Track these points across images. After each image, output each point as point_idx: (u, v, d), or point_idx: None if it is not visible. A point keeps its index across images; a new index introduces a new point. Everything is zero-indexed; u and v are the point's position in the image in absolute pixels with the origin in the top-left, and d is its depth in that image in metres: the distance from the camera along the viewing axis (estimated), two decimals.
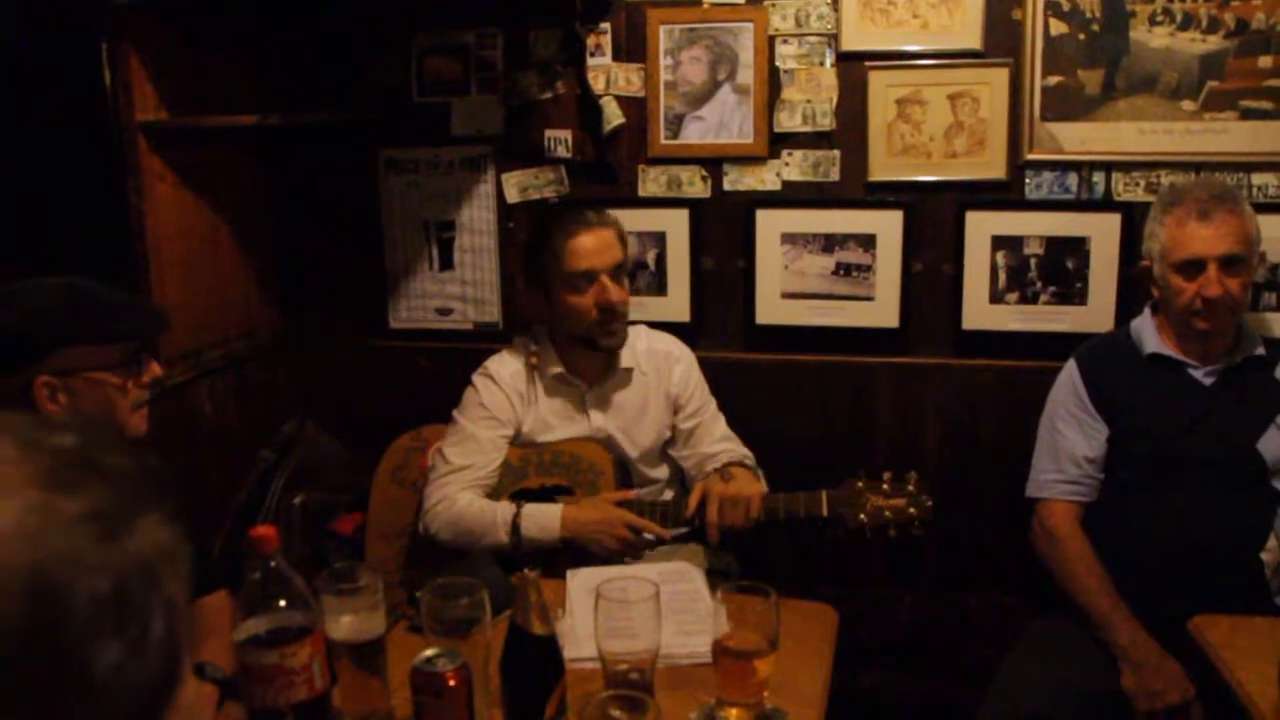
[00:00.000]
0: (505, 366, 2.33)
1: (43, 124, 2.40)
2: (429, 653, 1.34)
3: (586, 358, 2.31)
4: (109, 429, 0.70)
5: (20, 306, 1.59)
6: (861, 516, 2.11)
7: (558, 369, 2.31)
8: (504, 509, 2.16)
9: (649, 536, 2.16)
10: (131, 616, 0.62)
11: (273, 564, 1.33)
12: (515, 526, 2.13)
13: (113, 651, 0.61)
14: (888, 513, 2.10)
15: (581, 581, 1.89)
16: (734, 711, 1.48)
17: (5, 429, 0.66)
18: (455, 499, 2.19)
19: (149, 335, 1.75)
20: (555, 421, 2.31)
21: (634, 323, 2.43)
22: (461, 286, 2.99)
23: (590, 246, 2.22)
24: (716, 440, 2.38)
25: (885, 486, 2.12)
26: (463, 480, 2.22)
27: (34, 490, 0.62)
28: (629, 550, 2.13)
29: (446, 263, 2.99)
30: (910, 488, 2.12)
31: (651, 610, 1.46)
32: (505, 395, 2.29)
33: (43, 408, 1.57)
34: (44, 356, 1.57)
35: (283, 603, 1.33)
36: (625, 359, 2.32)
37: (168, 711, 0.65)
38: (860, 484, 2.13)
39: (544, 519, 2.14)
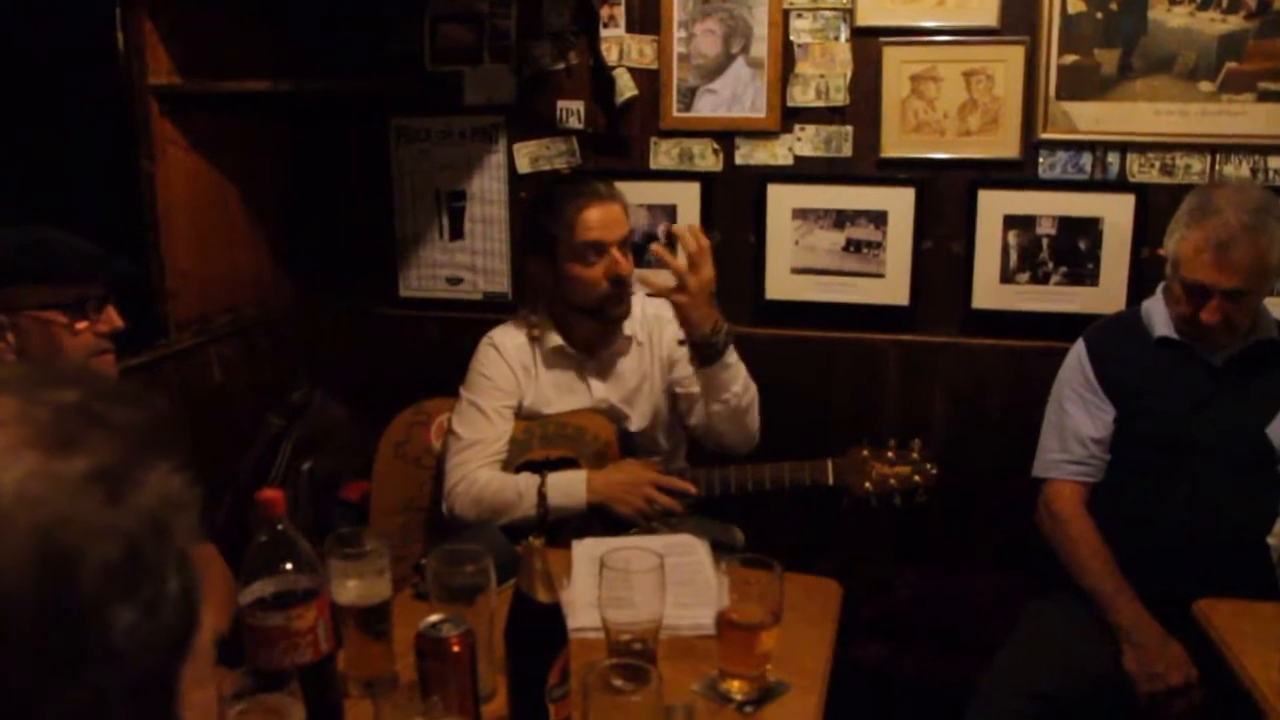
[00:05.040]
0: (510, 338, 2.32)
1: (56, 87, 2.39)
2: (434, 618, 1.35)
3: (586, 328, 2.30)
4: (115, 380, 0.66)
5: None
6: (867, 484, 2.11)
7: (557, 341, 2.30)
8: (526, 481, 2.16)
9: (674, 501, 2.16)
10: (145, 577, 0.61)
11: (279, 527, 1.33)
12: (542, 497, 2.13)
13: (129, 614, 0.59)
14: (893, 480, 2.10)
15: (586, 551, 1.90)
16: (736, 683, 1.49)
17: (6, 385, 0.64)
18: (475, 478, 2.19)
19: (103, 281, 1.74)
20: (556, 394, 2.31)
21: None
22: (471, 256, 2.99)
23: (601, 219, 2.21)
24: None
25: (890, 454, 2.13)
26: (478, 457, 2.22)
27: (35, 453, 0.60)
28: (656, 512, 2.14)
29: (457, 232, 2.99)
30: (915, 455, 2.12)
31: (655, 581, 1.47)
32: (508, 365, 2.29)
33: None
34: None
35: (289, 566, 1.33)
36: (626, 327, 2.32)
37: (186, 660, 0.64)
38: (865, 452, 2.14)
39: (569, 486, 2.15)
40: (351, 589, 1.46)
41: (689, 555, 1.89)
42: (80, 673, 0.58)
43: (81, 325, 1.69)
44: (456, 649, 1.31)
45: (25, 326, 1.63)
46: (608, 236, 2.21)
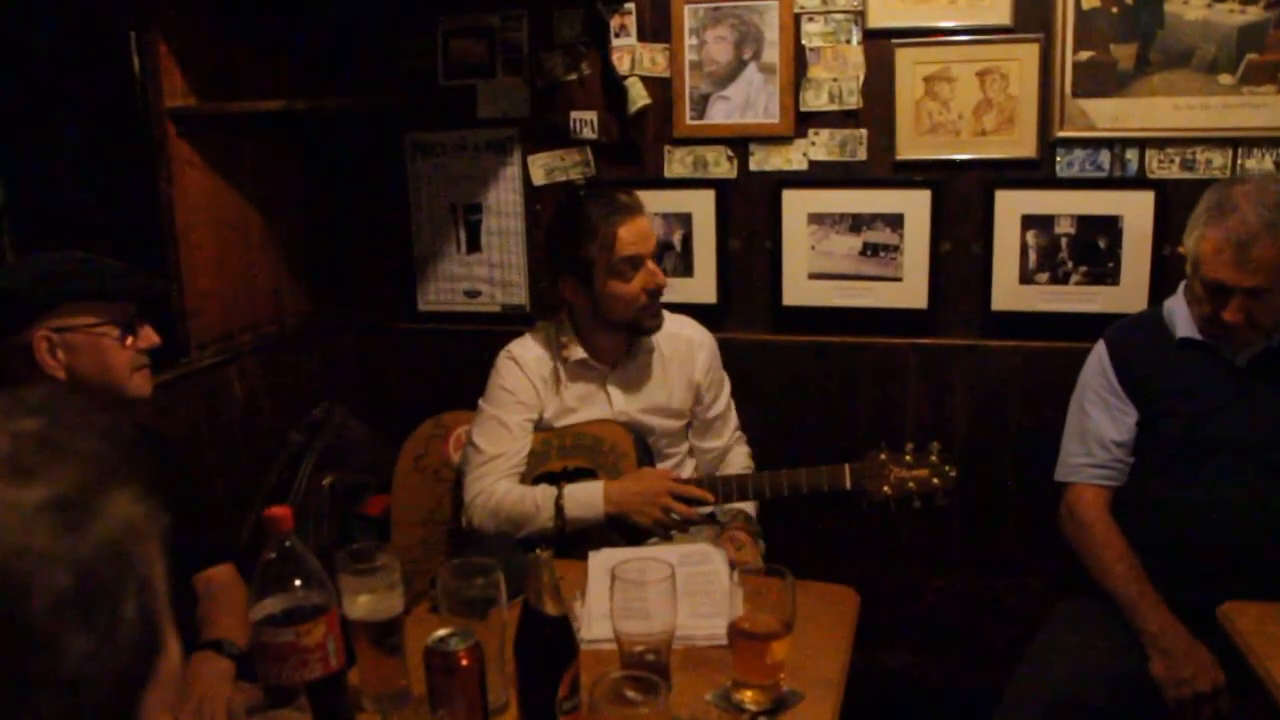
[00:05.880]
0: (529, 351, 2.32)
1: (73, 112, 2.43)
2: (442, 632, 1.35)
3: (609, 341, 2.30)
4: (82, 405, 0.65)
5: (22, 270, 1.69)
6: (885, 488, 2.09)
7: (581, 354, 2.30)
8: (544, 493, 2.16)
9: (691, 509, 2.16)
10: (99, 605, 0.61)
11: (288, 544, 1.34)
12: (559, 509, 2.13)
13: (81, 642, 0.59)
14: (911, 484, 2.08)
15: (602, 562, 1.89)
16: (750, 693, 1.48)
17: None
18: (493, 490, 2.19)
19: (145, 296, 1.80)
20: (577, 405, 2.30)
21: None
22: (489, 269, 3.00)
23: (635, 234, 2.20)
24: (729, 437, 2.42)
25: (908, 458, 2.10)
26: (498, 470, 2.22)
27: None
28: (674, 521, 2.13)
29: (474, 245, 3.00)
30: (933, 458, 2.09)
31: (667, 591, 1.46)
32: (528, 379, 2.28)
33: (42, 363, 1.64)
34: (44, 314, 1.64)
35: (298, 582, 1.34)
36: (648, 340, 2.32)
37: (148, 687, 0.64)
38: (883, 456, 2.11)
39: (587, 497, 2.14)
40: (363, 604, 1.46)
41: (705, 565, 1.88)
42: (32, 701, 0.58)
43: (130, 341, 1.73)
44: (465, 663, 1.31)
45: (77, 344, 1.67)
46: (644, 250, 2.21)
